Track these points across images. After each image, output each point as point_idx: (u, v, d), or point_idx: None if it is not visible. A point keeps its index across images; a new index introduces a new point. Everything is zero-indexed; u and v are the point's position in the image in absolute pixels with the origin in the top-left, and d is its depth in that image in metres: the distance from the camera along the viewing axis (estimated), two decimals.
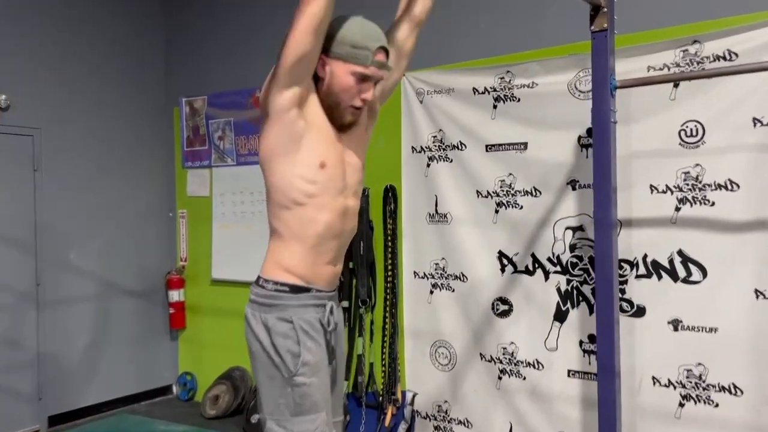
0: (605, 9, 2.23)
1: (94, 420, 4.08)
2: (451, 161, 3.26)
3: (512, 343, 3.10)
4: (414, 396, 3.40)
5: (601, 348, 2.31)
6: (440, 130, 3.28)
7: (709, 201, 2.61)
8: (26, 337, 3.82)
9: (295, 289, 1.70)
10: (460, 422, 3.26)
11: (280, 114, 1.62)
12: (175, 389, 4.57)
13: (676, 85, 2.65)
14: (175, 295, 4.46)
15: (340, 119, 1.71)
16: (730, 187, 2.56)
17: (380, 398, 3.46)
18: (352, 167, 1.76)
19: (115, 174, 4.28)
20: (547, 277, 3.01)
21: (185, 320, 4.51)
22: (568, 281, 2.96)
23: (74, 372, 4.05)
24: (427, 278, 3.35)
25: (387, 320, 3.45)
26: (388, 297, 3.45)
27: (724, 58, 2.56)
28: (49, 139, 3.94)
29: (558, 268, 2.98)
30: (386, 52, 1.70)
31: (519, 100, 3.05)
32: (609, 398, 2.29)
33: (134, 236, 4.40)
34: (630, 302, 2.78)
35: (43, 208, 3.90)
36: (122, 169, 4.33)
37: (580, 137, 2.90)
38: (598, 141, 2.27)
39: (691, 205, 2.64)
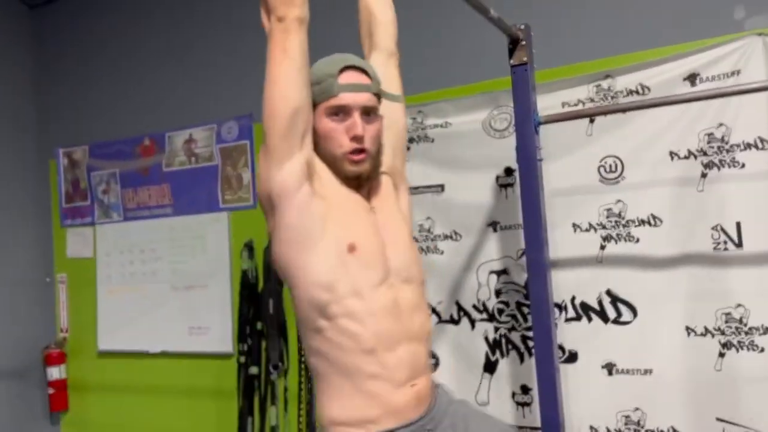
0: (524, 42, 2.14)
1: None
2: None
3: None
4: None
5: (544, 401, 2.13)
6: None
7: (633, 237, 2.54)
8: None
9: None
10: None
11: (290, 195, 1.26)
12: None
13: (592, 121, 2.60)
14: (54, 372, 3.90)
15: (344, 173, 1.35)
16: (653, 222, 2.50)
17: None
18: (393, 246, 1.35)
19: None
20: (473, 326, 2.83)
21: (68, 401, 3.94)
22: (496, 329, 2.79)
23: None
24: None
25: (303, 386, 3.12)
26: (303, 360, 3.13)
27: (637, 93, 2.54)
28: None
29: (484, 316, 2.81)
30: (360, 69, 1.36)
31: (433, 140, 2.91)
32: None
33: (3, 307, 3.82)
34: (561, 348, 2.64)
35: None
36: None
37: (498, 177, 2.78)
38: (525, 180, 2.14)
39: (616, 243, 2.57)
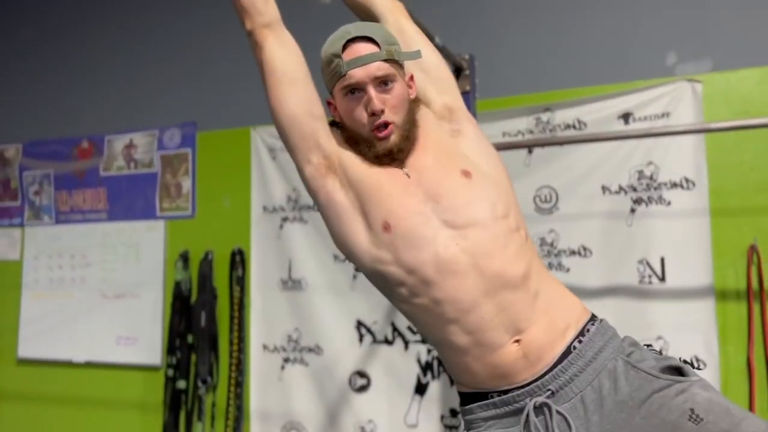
0: (467, 72, 2.19)
1: None
2: (307, 222, 3.04)
3: (370, 421, 2.86)
4: None
5: None
6: (294, 189, 3.06)
7: (564, 267, 2.61)
8: None
9: (467, 399, 1.24)
10: None
11: (317, 192, 1.29)
12: None
13: (530, 152, 2.67)
14: None
15: (375, 153, 1.27)
16: (583, 253, 2.58)
17: None
18: (436, 198, 1.23)
19: None
20: (407, 347, 2.84)
21: None
22: (429, 350, 2.80)
23: None
24: (279, 351, 3.04)
25: (231, 401, 3.06)
26: (232, 375, 3.07)
27: (574, 127, 2.63)
28: None
29: (418, 337, 2.82)
30: (364, 39, 1.26)
31: None
32: None
33: None
34: None
35: None
36: None
37: None
38: None
39: (548, 271, 2.63)
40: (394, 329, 2.86)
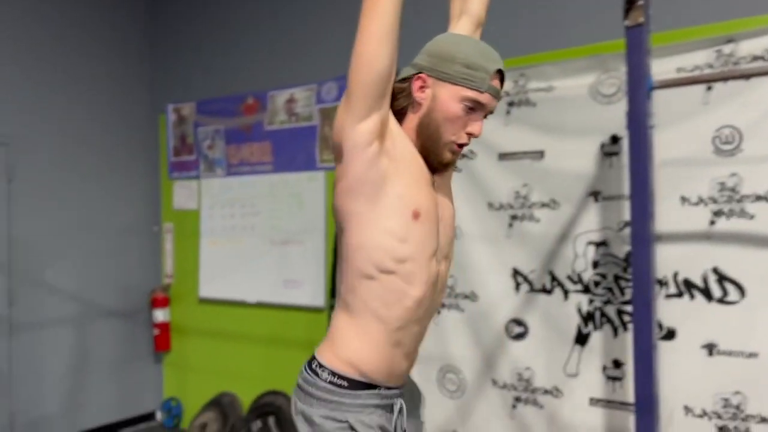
0: (641, 2, 2.02)
1: None
2: (461, 171, 3.03)
3: (528, 368, 2.86)
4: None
5: (640, 377, 2.07)
6: None
7: (747, 214, 2.39)
8: None
9: (356, 385, 1.34)
10: None
11: (358, 151, 1.27)
12: (159, 416, 4.28)
13: (709, 88, 2.44)
14: (159, 315, 4.19)
15: (437, 158, 1.33)
16: None
17: None
18: (443, 222, 1.38)
19: (95, 186, 4.01)
20: (566, 297, 2.78)
21: (170, 342, 4.23)
22: (590, 301, 2.72)
23: (50, 400, 3.75)
24: None
25: None
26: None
27: (763, 59, 2.36)
28: (24, 148, 3.66)
29: (579, 287, 2.75)
30: (503, 78, 1.35)
31: (535, 105, 2.83)
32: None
33: (116, 252, 4.12)
34: (659, 324, 2.55)
35: (18, 223, 3.62)
36: (103, 181, 4.06)
37: (603, 144, 2.68)
38: (634, 147, 2.04)
39: (728, 218, 2.43)
40: (553, 278, 2.81)
